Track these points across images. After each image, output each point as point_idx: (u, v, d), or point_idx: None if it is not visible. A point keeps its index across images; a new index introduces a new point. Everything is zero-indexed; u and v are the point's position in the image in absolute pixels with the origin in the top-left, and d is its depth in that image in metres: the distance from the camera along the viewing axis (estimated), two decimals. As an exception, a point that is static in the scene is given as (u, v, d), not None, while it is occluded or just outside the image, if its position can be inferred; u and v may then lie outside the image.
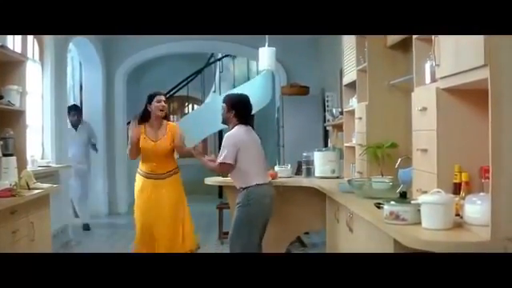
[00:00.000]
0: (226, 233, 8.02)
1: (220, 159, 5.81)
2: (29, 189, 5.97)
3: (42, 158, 8.78)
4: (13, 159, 6.06)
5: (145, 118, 6.61)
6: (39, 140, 8.94)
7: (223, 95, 6.86)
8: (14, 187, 5.61)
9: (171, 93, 15.18)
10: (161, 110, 6.54)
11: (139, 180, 6.62)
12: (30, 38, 8.40)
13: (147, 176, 6.58)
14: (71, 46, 10.98)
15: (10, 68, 6.38)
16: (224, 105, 5.96)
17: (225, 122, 6.02)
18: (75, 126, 10.74)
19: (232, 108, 5.89)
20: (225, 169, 5.93)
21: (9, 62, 6.33)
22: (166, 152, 6.60)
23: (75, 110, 10.87)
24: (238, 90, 13.13)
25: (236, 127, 5.85)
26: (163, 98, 6.64)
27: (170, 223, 6.58)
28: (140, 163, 6.67)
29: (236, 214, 5.86)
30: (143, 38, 11.68)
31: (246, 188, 5.78)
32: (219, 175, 7.22)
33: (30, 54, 8.40)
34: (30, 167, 6.89)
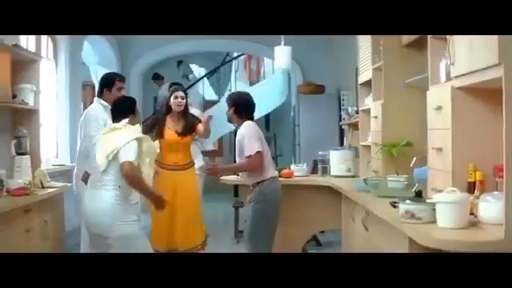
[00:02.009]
0: (242, 231, 8.00)
1: (255, 149, 5.54)
2: (43, 187, 5.99)
3: (57, 157, 8.80)
4: (27, 158, 6.08)
5: (167, 111, 6.83)
6: (53, 139, 8.95)
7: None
8: (28, 186, 5.63)
9: (186, 92, 15.11)
10: (178, 106, 6.68)
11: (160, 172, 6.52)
12: (43, 36, 8.41)
13: (169, 168, 6.63)
14: (85, 43, 10.85)
15: (24, 67, 6.37)
16: (228, 105, 5.91)
17: (230, 121, 5.95)
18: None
19: (237, 106, 5.83)
20: (259, 159, 5.57)
21: (22, 61, 6.31)
22: (188, 144, 6.86)
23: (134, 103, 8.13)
24: (253, 89, 13.21)
25: (245, 123, 5.76)
26: (181, 93, 6.78)
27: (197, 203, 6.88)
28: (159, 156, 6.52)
29: (251, 212, 5.68)
30: (158, 36, 11.65)
31: (260, 182, 5.65)
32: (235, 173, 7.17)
33: (43, 52, 8.42)
34: (44, 166, 6.89)
